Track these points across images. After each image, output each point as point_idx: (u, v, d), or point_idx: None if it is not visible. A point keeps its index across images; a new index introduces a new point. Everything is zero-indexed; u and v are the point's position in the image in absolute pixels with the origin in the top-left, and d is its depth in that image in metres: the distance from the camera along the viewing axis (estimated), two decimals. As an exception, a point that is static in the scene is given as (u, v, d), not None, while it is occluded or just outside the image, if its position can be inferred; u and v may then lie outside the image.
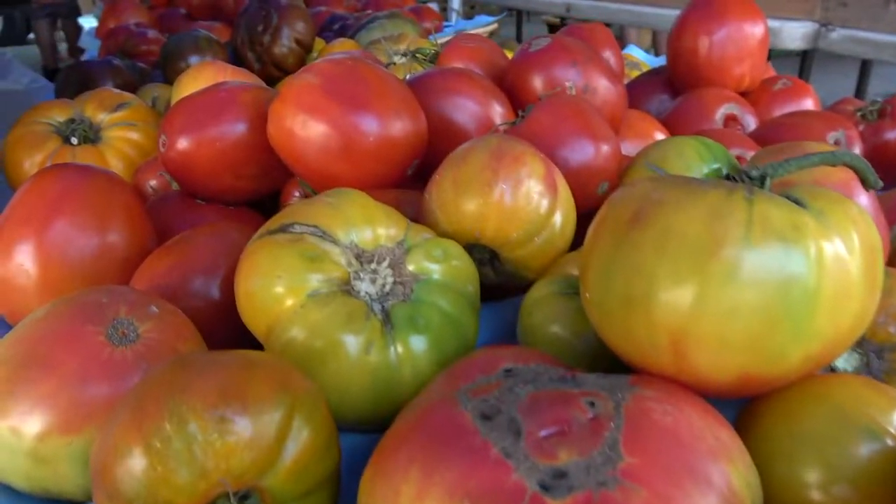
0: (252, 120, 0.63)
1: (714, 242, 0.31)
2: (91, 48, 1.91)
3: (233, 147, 0.62)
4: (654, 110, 0.95)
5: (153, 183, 0.72)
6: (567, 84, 0.68)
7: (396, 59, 1.13)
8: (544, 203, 0.48)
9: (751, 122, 0.85)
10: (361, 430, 0.43)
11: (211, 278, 0.51)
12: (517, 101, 0.71)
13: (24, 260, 0.51)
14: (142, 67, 1.29)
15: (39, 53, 5.48)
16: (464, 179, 0.47)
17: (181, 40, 1.11)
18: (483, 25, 1.94)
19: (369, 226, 0.45)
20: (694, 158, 0.56)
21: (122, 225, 0.55)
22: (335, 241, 0.43)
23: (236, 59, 1.23)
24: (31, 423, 0.37)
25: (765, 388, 0.34)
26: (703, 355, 0.32)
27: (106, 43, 1.65)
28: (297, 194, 0.69)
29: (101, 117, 0.82)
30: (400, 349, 0.41)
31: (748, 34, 0.88)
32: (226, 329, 0.50)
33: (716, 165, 0.56)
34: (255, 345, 0.45)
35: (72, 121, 0.80)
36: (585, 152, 0.57)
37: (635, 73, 1.26)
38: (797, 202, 0.34)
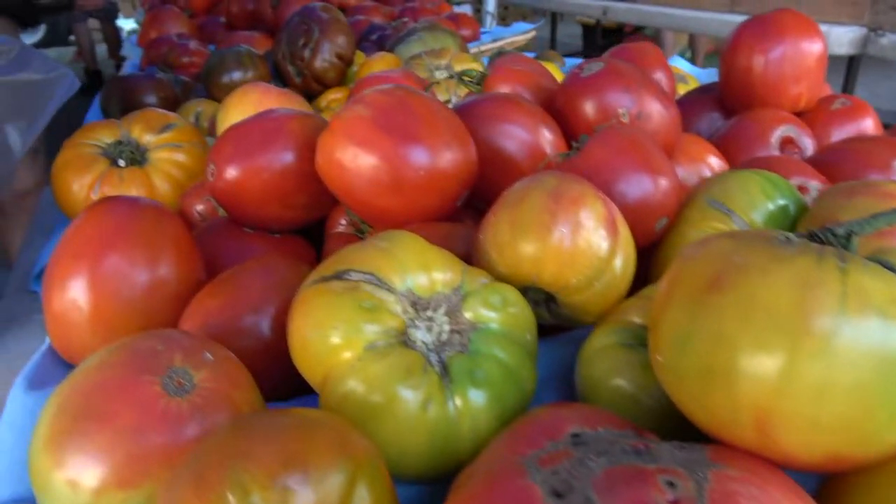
0: (300, 149, 0.62)
1: (805, 315, 0.29)
2: (133, 56, 1.94)
3: (281, 177, 0.62)
4: (705, 130, 0.92)
5: (200, 208, 0.72)
6: (620, 111, 0.66)
7: (438, 73, 1.12)
8: (605, 246, 0.46)
9: (808, 145, 0.82)
10: (417, 484, 0.42)
11: (261, 317, 0.51)
12: (568, 127, 0.69)
13: (78, 296, 0.51)
14: (184, 81, 1.30)
15: (79, 54, 5.63)
16: (521, 222, 0.46)
17: (224, 56, 1.11)
18: (521, 33, 1.92)
19: (425, 271, 0.43)
20: (759, 195, 0.54)
21: (173, 258, 0.54)
22: (391, 290, 0.42)
23: (277, 73, 1.23)
24: (88, 477, 0.37)
25: (854, 468, 0.32)
26: (789, 434, 0.30)
27: (148, 53, 1.67)
28: (343, 223, 0.68)
29: (148, 139, 0.82)
30: (458, 403, 0.40)
31: (806, 52, 0.85)
32: (277, 368, 0.50)
33: (782, 202, 0.54)
34: (306, 384, 0.44)
35: (119, 143, 0.81)
36: (643, 187, 0.55)
37: (682, 88, 1.23)
38: (892, 269, 0.31)
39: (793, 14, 0.88)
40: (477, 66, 1.12)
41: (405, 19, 2.01)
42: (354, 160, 0.56)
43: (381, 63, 1.17)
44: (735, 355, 0.31)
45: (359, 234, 0.67)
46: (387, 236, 0.45)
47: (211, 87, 1.13)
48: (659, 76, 0.81)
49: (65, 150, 0.79)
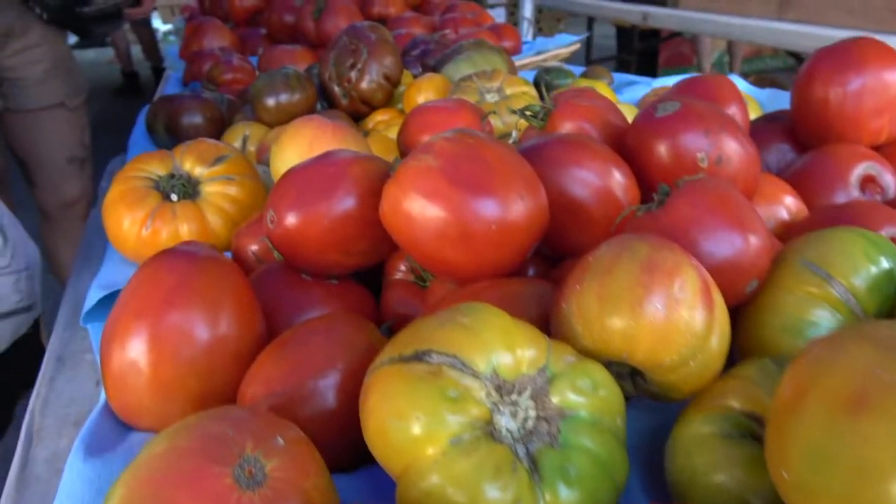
0: (362, 196, 0.60)
1: (976, 453, 0.26)
2: (176, 68, 1.94)
3: (342, 224, 0.59)
4: (774, 162, 0.88)
5: (254, 248, 0.70)
6: (699, 155, 0.62)
7: (489, 97, 1.09)
8: (701, 322, 0.43)
9: (891, 184, 0.77)
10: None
11: (326, 384, 0.48)
12: (639, 169, 0.65)
13: (137, 356, 0.49)
14: (230, 99, 1.29)
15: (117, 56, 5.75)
16: (611, 295, 0.43)
17: (272, 78, 1.10)
18: (565, 45, 1.87)
19: (509, 350, 0.40)
20: (861, 258, 0.50)
21: (234, 316, 0.52)
22: (476, 374, 0.39)
23: (323, 94, 1.21)
24: (157, 579, 0.35)
25: None
26: (952, 584, 0.27)
27: (191, 67, 1.67)
28: (402, 268, 0.65)
29: (200, 171, 0.80)
30: (549, 501, 0.37)
31: (888, 83, 0.79)
32: (341, 438, 0.47)
33: (886, 265, 0.50)
34: (369, 453, 0.41)
35: (171, 176, 0.79)
36: (734, 247, 0.51)
37: (740, 109, 1.18)
38: None
39: (873, 43, 0.83)
40: (528, 90, 1.09)
41: (446, 31, 1.98)
42: (421, 212, 0.53)
43: (429, 85, 1.14)
44: (887, 488, 0.27)
45: (419, 281, 0.64)
46: (468, 311, 0.42)
47: (258, 109, 1.11)
48: (733, 111, 0.77)
49: (116, 184, 0.78)
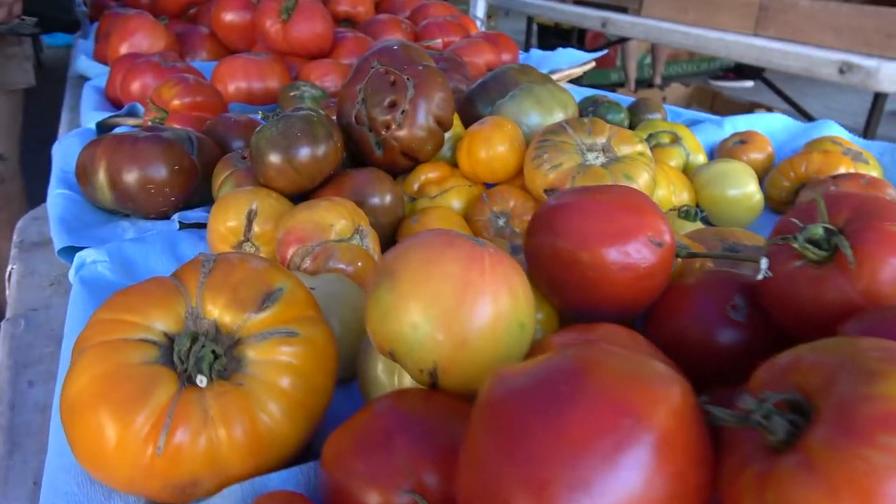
0: (683, 474, 0.30)
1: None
2: (92, 74, 1.49)
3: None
4: None
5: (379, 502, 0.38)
6: None
7: (591, 157, 0.80)
8: None
9: None
10: None
11: None
12: None
13: None
14: (199, 139, 0.92)
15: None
16: None
17: (287, 125, 0.75)
18: (578, 64, 1.61)
19: None
20: None
21: None
22: None
23: (348, 140, 0.87)
24: None
25: None
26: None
27: (123, 80, 1.26)
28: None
29: (236, 321, 0.46)
30: None
31: None
32: None
33: None
34: None
35: (193, 337, 0.45)
36: None
37: (863, 168, 0.97)
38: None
39: None
40: (643, 150, 0.81)
41: (437, 41, 1.67)
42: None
43: (499, 135, 0.84)
44: None
45: None
46: None
47: (265, 167, 0.76)
48: None
49: (87, 361, 0.42)
